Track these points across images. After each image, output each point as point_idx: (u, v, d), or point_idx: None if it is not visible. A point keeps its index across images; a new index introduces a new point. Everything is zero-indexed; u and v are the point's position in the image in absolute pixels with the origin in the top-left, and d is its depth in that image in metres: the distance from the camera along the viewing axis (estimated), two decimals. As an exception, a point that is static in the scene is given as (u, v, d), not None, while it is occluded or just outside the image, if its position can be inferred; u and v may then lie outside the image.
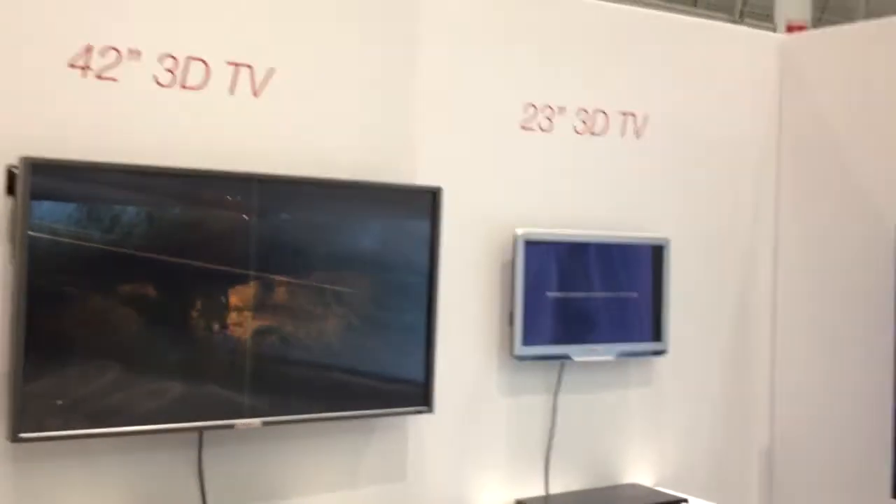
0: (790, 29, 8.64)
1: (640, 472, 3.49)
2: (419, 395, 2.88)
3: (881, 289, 3.33)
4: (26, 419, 2.32)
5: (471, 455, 3.13)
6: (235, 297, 2.59)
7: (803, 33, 4.26)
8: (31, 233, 2.31)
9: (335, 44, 2.88)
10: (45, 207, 2.34)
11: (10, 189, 2.36)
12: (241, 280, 2.59)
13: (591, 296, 3.26)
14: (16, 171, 2.34)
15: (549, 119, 3.29)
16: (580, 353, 3.23)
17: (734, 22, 10.98)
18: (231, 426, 2.58)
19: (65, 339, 2.38)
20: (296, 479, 2.81)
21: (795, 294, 3.74)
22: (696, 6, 11.22)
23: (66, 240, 2.37)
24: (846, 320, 3.54)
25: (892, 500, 3.20)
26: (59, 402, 2.37)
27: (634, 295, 3.36)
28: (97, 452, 2.51)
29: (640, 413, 3.48)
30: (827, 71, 3.70)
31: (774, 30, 9.25)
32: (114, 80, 2.54)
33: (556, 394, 3.27)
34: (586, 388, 3.34)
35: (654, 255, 3.39)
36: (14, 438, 2.32)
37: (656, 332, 3.39)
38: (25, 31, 2.43)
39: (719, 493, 3.58)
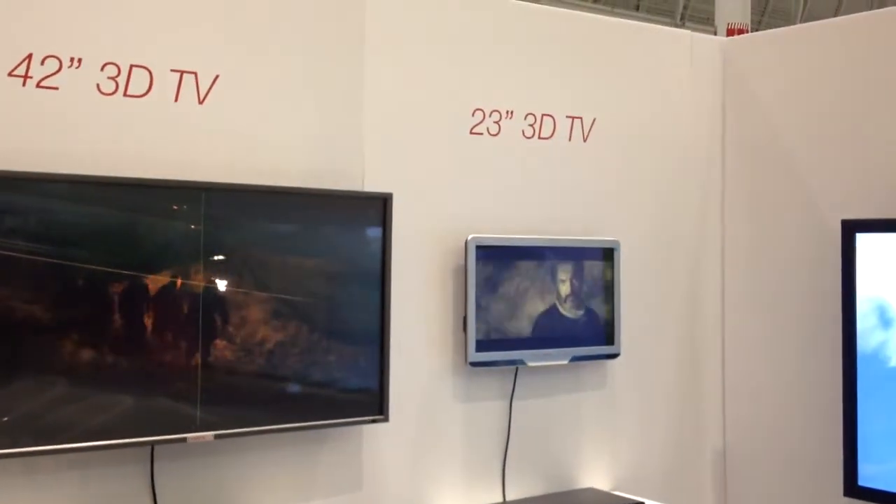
0: (730, 32, 8.81)
1: (597, 476, 3.50)
2: (374, 403, 2.86)
3: (828, 286, 3.38)
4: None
5: (427, 463, 3.12)
6: (185, 309, 2.54)
7: (744, 36, 4.33)
8: (-29, 247, 2.26)
9: (281, 50, 2.85)
10: (-14, 220, 2.29)
11: (-49, 202, 2.30)
12: (190, 291, 2.55)
13: (544, 300, 3.27)
14: (-45, 183, 2.29)
15: (497, 123, 3.29)
16: (534, 358, 3.24)
17: (675, 25, 11.16)
18: (183, 440, 2.54)
19: (10, 354, 2.32)
20: (251, 492, 2.77)
21: (743, 293, 3.79)
22: (638, 10, 11.39)
23: (9, 253, 2.31)
24: (794, 318, 3.59)
25: (844, 498, 3.26)
26: (5, 418, 2.31)
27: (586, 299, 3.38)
28: (46, 469, 2.45)
29: (594, 417, 3.50)
30: (768, 72, 3.75)
31: (715, 33, 9.42)
32: (55, 88, 2.49)
33: (511, 399, 3.28)
34: (541, 392, 3.35)
35: (605, 257, 3.42)
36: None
37: (609, 336, 3.42)
38: (-39, 39, 2.37)
39: (675, 494, 3.61)
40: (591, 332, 3.37)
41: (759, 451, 3.73)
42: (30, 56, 2.45)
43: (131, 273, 2.47)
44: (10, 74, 2.43)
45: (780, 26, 4.21)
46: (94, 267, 2.42)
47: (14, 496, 2.43)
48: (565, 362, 3.33)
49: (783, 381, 3.64)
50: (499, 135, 3.30)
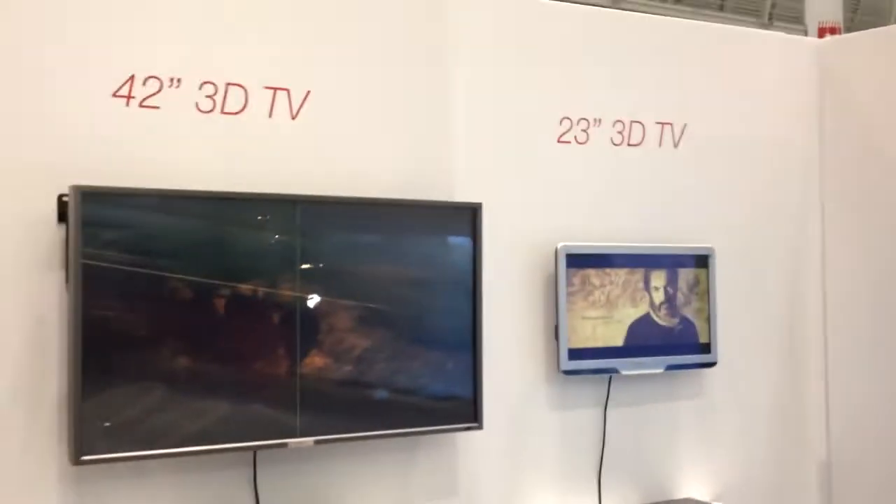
0: (822, 31, 8.56)
1: (695, 486, 3.44)
2: (468, 411, 2.87)
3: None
4: (87, 442, 2.36)
5: (521, 471, 3.11)
6: (282, 318, 2.60)
7: (840, 37, 4.22)
8: (84, 260, 2.35)
9: (370, 64, 2.91)
10: (95, 234, 2.38)
11: (62, 217, 2.40)
12: (287, 302, 2.61)
13: (637, 308, 3.24)
14: (66, 199, 2.39)
15: (585, 132, 3.28)
16: (628, 367, 3.21)
17: (763, 25, 10.92)
18: (284, 445, 2.60)
19: (121, 363, 2.41)
20: (349, 496, 2.81)
21: (846, 300, 3.69)
22: (722, 10, 11.18)
23: (117, 266, 2.40)
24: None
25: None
26: (118, 424, 2.40)
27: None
28: (155, 473, 2.54)
29: (691, 426, 3.44)
30: (866, 73, 3.66)
31: (805, 32, 9.17)
32: (156, 108, 2.58)
33: (605, 408, 3.25)
34: (636, 401, 3.31)
35: (699, 265, 3.36)
36: (76, 461, 2.36)
37: (705, 344, 3.36)
38: (71, 63, 2.49)
39: (778, 506, 3.55)
40: (686, 340, 3.33)
41: (865, 462, 3.61)
42: (132, 77, 2.55)
43: (229, 284, 2.54)
44: (114, 95, 2.53)
45: (873, 23, 4.10)
46: (196, 278, 2.50)
47: (127, 498, 2.51)
48: (660, 371, 3.29)
49: (890, 389, 3.52)
50: (587, 143, 3.29)
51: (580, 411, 3.22)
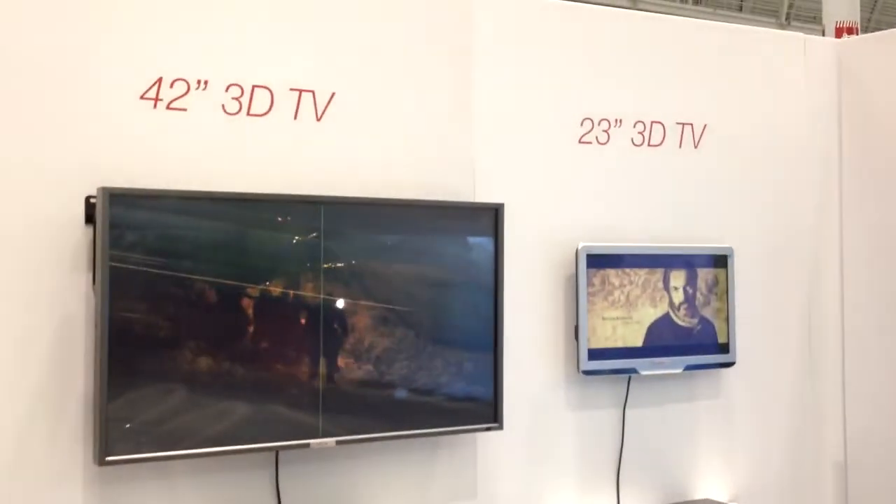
0: (839, 31, 8.53)
1: (713, 487, 3.45)
2: (488, 412, 2.89)
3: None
4: (112, 443, 2.38)
5: (541, 471, 3.13)
6: (304, 320, 2.62)
7: (858, 37, 4.22)
8: (111, 262, 2.37)
9: (394, 66, 2.92)
10: (123, 236, 2.40)
11: (89, 218, 2.43)
12: (310, 303, 2.63)
13: (657, 308, 3.25)
14: (94, 200, 2.41)
15: (606, 132, 3.29)
16: (647, 367, 3.22)
17: (781, 25, 10.89)
18: (307, 446, 2.62)
19: (146, 364, 2.44)
20: (370, 496, 2.83)
21: (864, 300, 3.69)
22: (741, 11, 11.17)
23: (144, 267, 2.42)
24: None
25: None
26: (143, 425, 2.42)
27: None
28: (178, 473, 2.56)
29: (710, 426, 3.45)
30: (884, 73, 3.66)
31: (823, 32, 9.13)
32: (183, 110, 2.60)
33: (624, 408, 3.26)
34: (655, 401, 3.32)
35: (718, 264, 3.37)
36: (101, 462, 2.38)
37: (723, 344, 3.37)
38: (99, 66, 2.51)
39: (795, 506, 3.55)
40: (705, 340, 3.33)
41: (882, 463, 3.61)
42: (160, 80, 2.57)
43: (255, 285, 2.56)
44: (141, 97, 2.56)
45: (890, 23, 4.10)
46: (220, 280, 2.52)
47: (150, 499, 2.54)
48: (679, 371, 3.29)
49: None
50: (608, 143, 3.30)
51: (599, 411, 3.24)
